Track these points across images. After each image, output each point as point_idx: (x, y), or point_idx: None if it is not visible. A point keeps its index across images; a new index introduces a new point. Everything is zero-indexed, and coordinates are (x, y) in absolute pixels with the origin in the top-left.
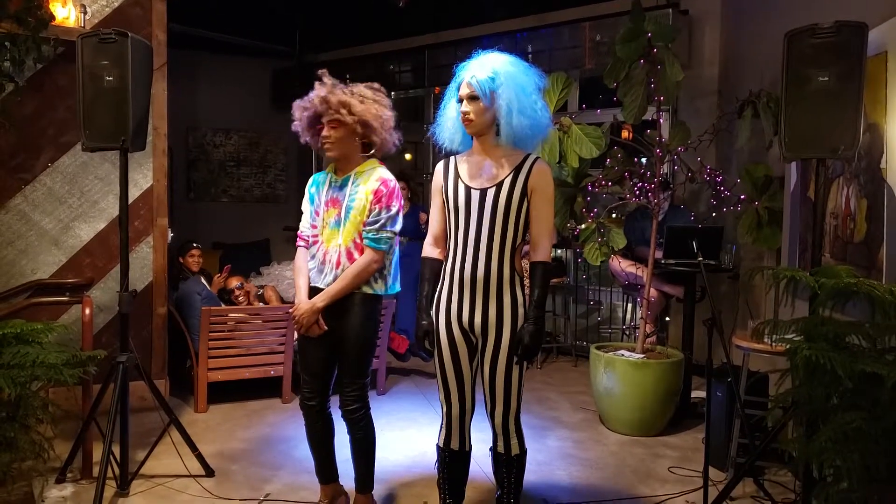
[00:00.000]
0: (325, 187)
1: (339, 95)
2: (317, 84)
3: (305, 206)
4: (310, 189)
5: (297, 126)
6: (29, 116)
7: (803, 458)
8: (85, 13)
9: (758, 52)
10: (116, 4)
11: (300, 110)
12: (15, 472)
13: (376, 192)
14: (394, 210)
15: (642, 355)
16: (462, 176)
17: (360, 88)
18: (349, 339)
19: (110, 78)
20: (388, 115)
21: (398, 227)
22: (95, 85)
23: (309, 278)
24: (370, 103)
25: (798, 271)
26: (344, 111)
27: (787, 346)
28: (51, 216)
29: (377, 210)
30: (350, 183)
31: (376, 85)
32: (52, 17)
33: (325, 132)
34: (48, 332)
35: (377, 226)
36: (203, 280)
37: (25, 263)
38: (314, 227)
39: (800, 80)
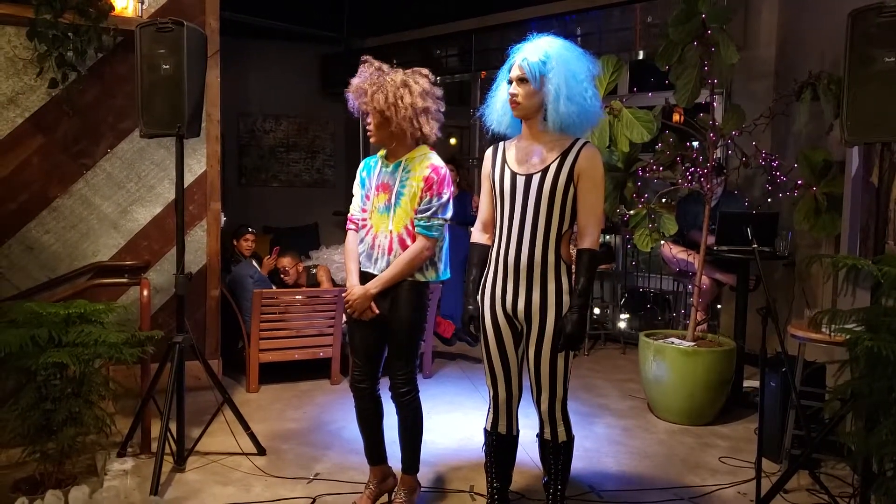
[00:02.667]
0: (376, 171)
1: (380, 98)
2: (361, 70)
3: (356, 189)
4: (361, 173)
5: (351, 105)
6: (90, 104)
7: (863, 452)
8: (142, 3)
9: (818, 32)
10: None
11: (352, 95)
12: (79, 446)
13: (427, 180)
14: (445, 197)
15: (693, 343)
16: (509, 161)
17: (411, 80)
18: (399, 325)
19: (167, 66)
20: (431, 106)
21: (449, 214)
22: (153, 73)
23: (359, 262)
24: (415, 99)
25: (859, 259)
26: (388, 113)
27: (848, 337)
28: (110, 200)
29: (428, 198)
30: (400, 168)
31: (425, 71)
32: (112, 8)
33: (368, 119)
34: (109, 313)
35: (429, 213)
36: (255, 263)
37: (87, 246)
38: (364, 210)
39: (864, 60)
